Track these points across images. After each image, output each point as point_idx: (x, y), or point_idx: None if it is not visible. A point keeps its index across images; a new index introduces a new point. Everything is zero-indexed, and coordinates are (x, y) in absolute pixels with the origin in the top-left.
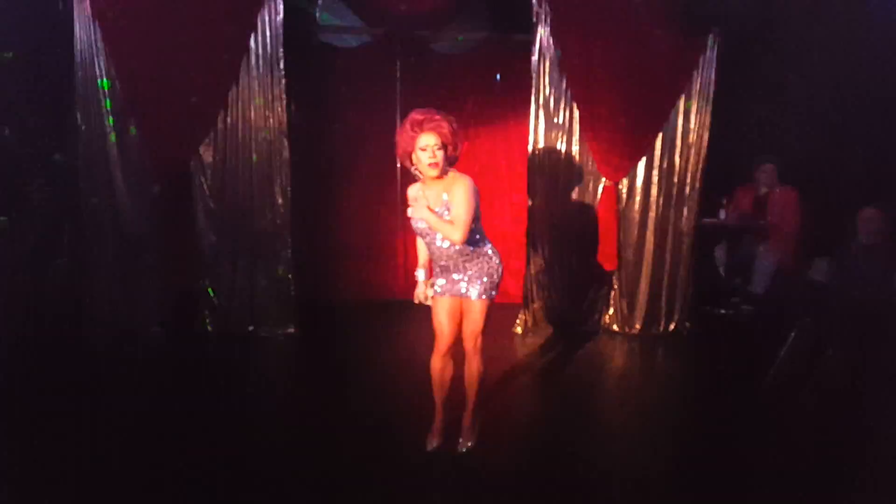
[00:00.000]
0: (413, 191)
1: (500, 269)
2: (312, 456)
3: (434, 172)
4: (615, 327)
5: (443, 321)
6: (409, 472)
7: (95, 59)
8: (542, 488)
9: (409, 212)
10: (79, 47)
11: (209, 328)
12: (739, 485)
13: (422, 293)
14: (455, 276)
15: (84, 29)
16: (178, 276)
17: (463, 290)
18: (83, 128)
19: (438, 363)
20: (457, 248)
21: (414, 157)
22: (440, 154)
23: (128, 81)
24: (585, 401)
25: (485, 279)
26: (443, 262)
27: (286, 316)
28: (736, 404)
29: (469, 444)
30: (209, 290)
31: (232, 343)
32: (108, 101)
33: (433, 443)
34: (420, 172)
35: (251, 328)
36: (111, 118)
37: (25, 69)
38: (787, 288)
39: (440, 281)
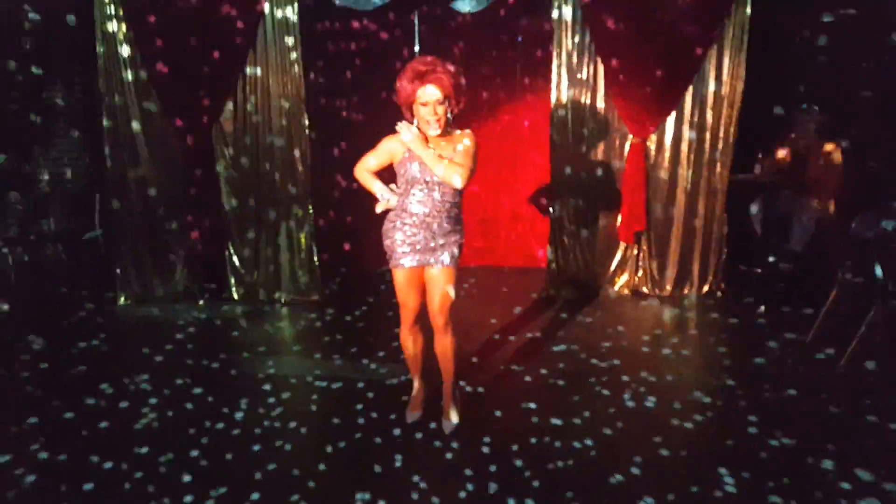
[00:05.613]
0: (406, 126)
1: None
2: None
3: (434, 131)
4: (645, 289)
5: (409, 293)
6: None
7: (115, 33)
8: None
9: (402, 133)
10: (99, 21)
11: (235, 296)
12: (783, 453)
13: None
14: (429, 243)
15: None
16: (204, 245)
17: (434, 259)
18: (107, 102)
19: (408, 336)
20: (449, 204)
21: (414, 109)
22: (441, 110)
23: (148, 55)
24: (615, 366)
25: (455, 249)
26: (427, 219)
27: (310, 284)
28: (778, 366)
29: (453, 423)
30: (234, 258)
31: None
32: (129, 73)
33: (413, 415)
34: (418, 128)
35: (276, 295)
36: (134, 92)
37: (49, 45)
38: (829, 244)
39: (403, 249)
